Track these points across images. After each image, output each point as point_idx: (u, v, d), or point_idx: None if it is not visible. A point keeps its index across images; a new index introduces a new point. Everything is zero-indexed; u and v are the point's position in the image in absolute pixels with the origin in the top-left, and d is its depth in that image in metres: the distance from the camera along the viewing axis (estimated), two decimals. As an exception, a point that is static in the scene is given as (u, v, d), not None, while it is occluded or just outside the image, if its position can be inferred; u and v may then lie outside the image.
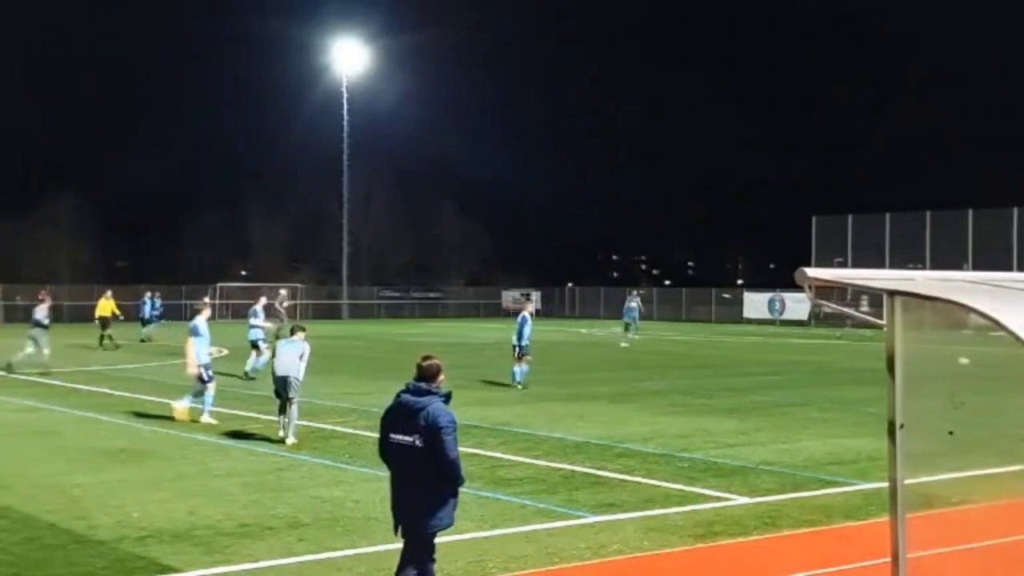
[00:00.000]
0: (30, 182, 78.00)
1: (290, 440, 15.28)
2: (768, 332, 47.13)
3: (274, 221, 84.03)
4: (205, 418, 17.46)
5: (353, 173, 73.34)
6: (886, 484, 4.95)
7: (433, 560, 7.05)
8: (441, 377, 7.03)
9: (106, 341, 36.10)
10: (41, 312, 26.79)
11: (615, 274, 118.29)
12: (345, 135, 71.54)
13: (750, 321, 60.84)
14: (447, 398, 6.97)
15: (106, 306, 37.82)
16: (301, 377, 15.62)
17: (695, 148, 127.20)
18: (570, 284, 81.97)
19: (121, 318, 39.18)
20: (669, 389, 23.41)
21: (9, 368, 25.95)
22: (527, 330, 23.23)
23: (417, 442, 6.74)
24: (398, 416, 6.91)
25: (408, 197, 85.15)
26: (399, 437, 6.85)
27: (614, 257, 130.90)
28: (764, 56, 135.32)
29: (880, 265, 51.82)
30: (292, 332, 16.46)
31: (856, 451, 14.63)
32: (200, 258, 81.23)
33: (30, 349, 26.22)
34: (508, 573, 8.67)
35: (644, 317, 52.26)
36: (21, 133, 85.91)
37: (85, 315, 62.01)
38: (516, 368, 23.16)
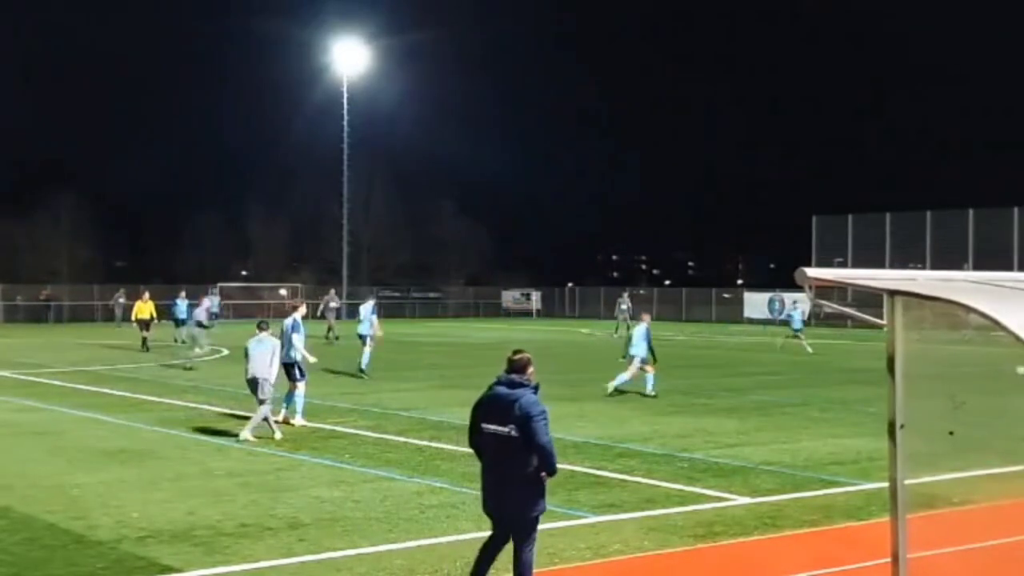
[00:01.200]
0: (30, 182, 77.98)
1: (244, 435, 15.37)
2: (768, 332, 47.03)
3: (274, 221, 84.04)
4: (298, 420, 17.06)
5: (353, 173, 73.28)
6: (887, 484, 4.95)
7: (534, 542, 7.46)
8: (531, 370, 7.40)
9: (148, 344, 35.04)
10: (202, 313, 30.35)
11: (615, 274, 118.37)
12: (345, 135, 71.51)
13: (750, 321, 60.78)
14: (536, 390, 7.34)
15: (144, 308, 36.19)
16: (272, 379, 15.63)
17: (695, 148, 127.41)
18: (570, 284, 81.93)
19: (158, 322, 38.02)
20: (669, 389, 23.38)
21: (188, 361, 28.59)
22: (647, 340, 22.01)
23: (513, 432, 7.12)
24: (493, 408, 7.28)
25: (408, 197, 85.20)
26: (494, 427, 7.22)
27: (614, 257, 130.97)
28: (764, 56, 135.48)
29: (880, 265, 51.83)
30: (259, 328, 16.34)
31: (856, 451, 14.61)
32: (200, 258, 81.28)
33: (199, 348, 29.50)
34: (508, 573, 8.65)
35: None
36: (20, 133, 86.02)
37: (85, 314, 62.21)
38: (649, 375, 21.77)
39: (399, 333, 46.49)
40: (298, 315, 17.89)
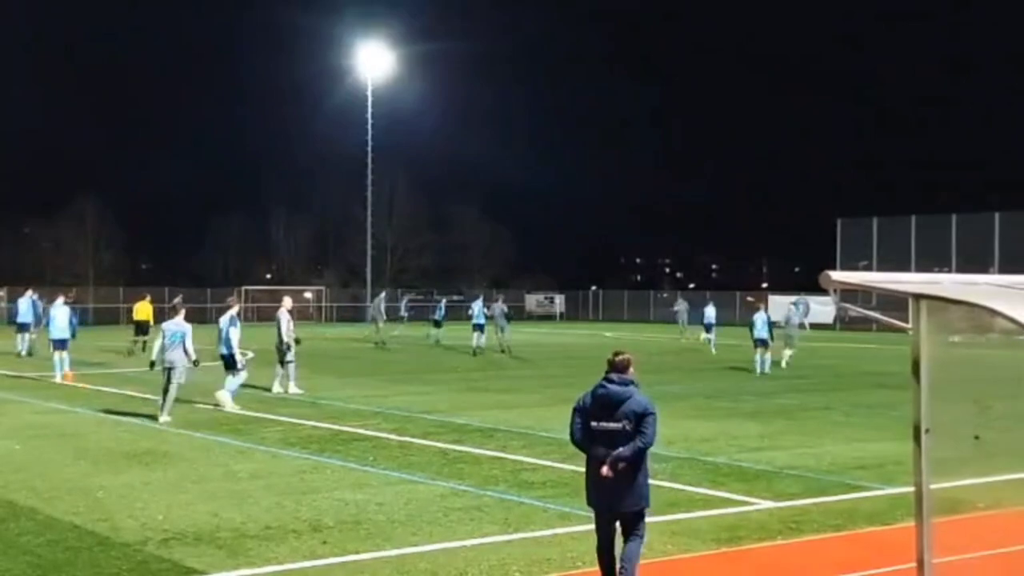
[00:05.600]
0: (55, 186, 78.63)
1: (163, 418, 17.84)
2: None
3: (298, 224, 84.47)
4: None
5: (376, 176, 73.49)
6: (911, 488, 4.92)
7: (645, 535, 7.88)
8: (631, 369, 7.75)
9: (137, 347, 33.99)
10: (497, 309, 37.36)
11: (638, 277, 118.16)
12: (369, 138, 71.70)
13: (774, 324, 60.36)
14: (638, 388, 7.79)
15: (143, 309, 35.92)
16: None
17: (719, 150, 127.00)
18: (594, 287, 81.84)
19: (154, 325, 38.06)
20: (692, 392, 23.32)
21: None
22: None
23: (627, 427, 7.52)
24: (604, 406, 7.60)
25: (431, 200, 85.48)
26: (609, 425, 7.55)
27: (637, 260, 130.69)
28: (788, 56, 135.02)
29: (905, 268, 51.50)
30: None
31: (881, 455, 14.52)
32: (224, 260, 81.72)
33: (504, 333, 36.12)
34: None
35: (666, 320, 52.22)
36: (46, 136, 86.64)
37: (111, 317, 62.58)
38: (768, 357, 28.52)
39: (422, 336, 46.59)
40: (233, 312, 20.35)
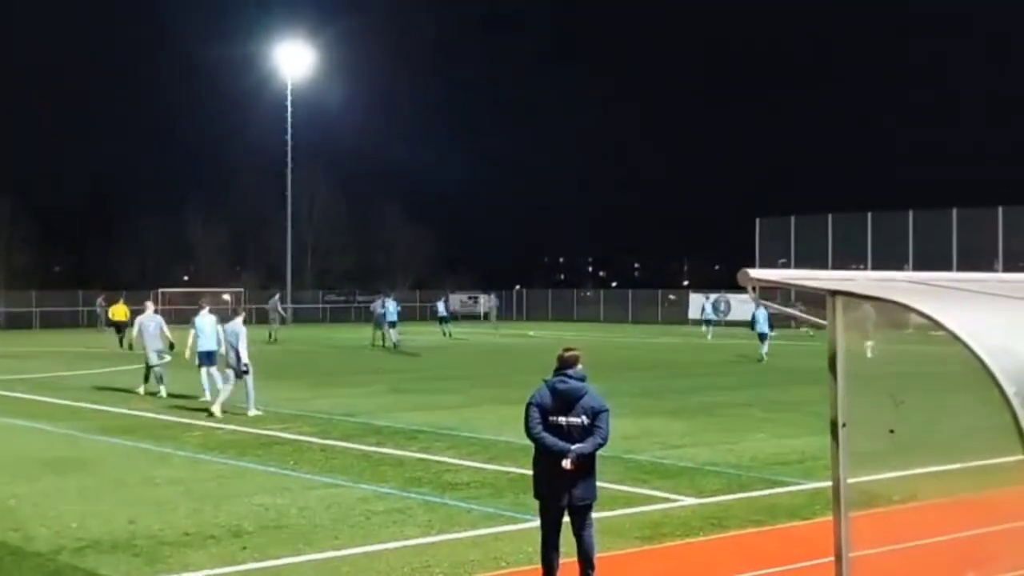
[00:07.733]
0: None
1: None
2: (713, 333, 47.47)
3: (216, 225, 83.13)
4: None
5: (296, 176, 72.58)
6: (830, 483, 4.97)
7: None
8: (580, 365, 7.88)
9: (124, 343, 37.70)
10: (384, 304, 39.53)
11: (562, 276, 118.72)
12: (289, 137, 70.81)
13: (695, 322, 61.15)
14: None
15: (119, 311, 40.02)
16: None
17: (640, 150, 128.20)
18: (518, 287, 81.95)
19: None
20: (615, 391, 23.34)
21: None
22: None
23: (584, 421, 7.76)
24: (562, 401, 7.77)
25: (353, 200, 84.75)
26: (567, 419, 7.75)
27: (560, 259, 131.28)
28: (707, 56, 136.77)
29: (823, 266, 52.43)
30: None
31: (800, 451, 14.74)
32: (140, 263, 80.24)
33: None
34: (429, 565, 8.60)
35: (590, 319, 52.61)
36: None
37: (23, 322, 61.12)
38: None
39: (344, 338, 46.23)
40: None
